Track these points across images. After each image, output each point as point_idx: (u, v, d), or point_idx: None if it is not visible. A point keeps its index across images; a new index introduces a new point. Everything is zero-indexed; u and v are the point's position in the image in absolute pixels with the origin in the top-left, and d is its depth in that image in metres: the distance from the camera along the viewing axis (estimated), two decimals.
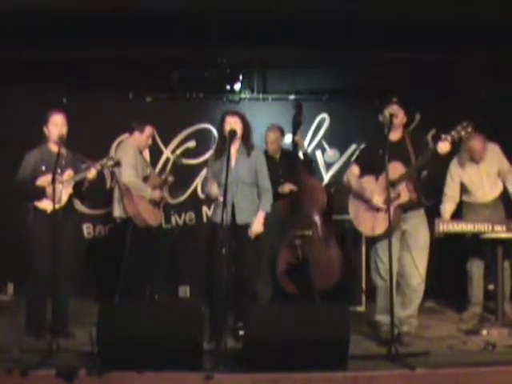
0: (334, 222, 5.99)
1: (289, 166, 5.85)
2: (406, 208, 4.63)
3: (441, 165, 4.52)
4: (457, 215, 5.65)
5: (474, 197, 5.61)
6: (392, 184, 4.50)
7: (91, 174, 4.74)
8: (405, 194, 4.56)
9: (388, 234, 4.36)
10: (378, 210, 4.63)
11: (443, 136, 4.40)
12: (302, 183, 5.70)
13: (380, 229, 4.60)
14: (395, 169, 4.54)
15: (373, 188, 4.69)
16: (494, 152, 5.57)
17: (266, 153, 5.87)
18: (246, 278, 4.82)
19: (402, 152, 4.62)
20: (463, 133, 4.35)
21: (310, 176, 5.90)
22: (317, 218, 5.67)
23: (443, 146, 4.38)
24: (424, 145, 4.74)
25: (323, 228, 5.65)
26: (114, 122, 6.63)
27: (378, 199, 4.62)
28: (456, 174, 5.60)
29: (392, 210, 4.48)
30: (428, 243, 4.74)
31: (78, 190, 4.83)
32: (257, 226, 4.79)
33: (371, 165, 4.74)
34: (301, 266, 5.51)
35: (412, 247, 4.65)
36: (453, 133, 4.37)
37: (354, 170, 4.89)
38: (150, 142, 5.89)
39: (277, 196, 5.48)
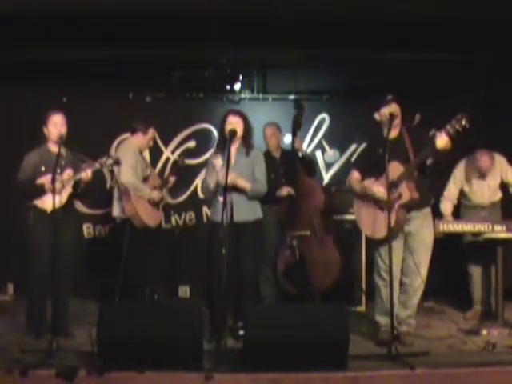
0: (334, 221, 5.99)
1: (289, 166, 5.84)
2: (409, 207, 4.58)
3: (444, 155, 4.45)
4: (455, 216, 5.72)
5: (471, 202, 5.72)
6: (393, 185, 4.48)
7: (86, 174, 4.74)
8: (406, 193, 4.51)
9: (390, 237, 4.33)
10: (381, 208, 4.55)
11: (438, 132, 4.35)
12: (300, 184, 5.68)
13: (382, 232, 4.53)
14: (394, 168, 4.49)
15: (375, 185, 4.62)
16: (499, 164, 5.64)
17: (267, 152, 5.88)
18: (245, 277, 4.81)
19: (400, 150, 4.57)
20: (457, 126, 4.28)
21: (308, 177, 5.88)
22: (314, 219, 5.64)
23: (440, 142, 4.32)
24: (425, 138, 4.71)
25: (321, 228, 5.63)
26: (114, 122, 6.64)
27: (381, 190, 4.50)
28: (459, 180, 5.71)
29: (394, 211, 4.48)
30: (432, 242, 4.72)
31: (76, 189, 4.84)
32: (232, 176, 4.65)
33: (370, 166, 4.70)
34: (298, 266, 5.51)
35: (416, 248, 4.63)
36: (448, 127, 4.31)
37: (355, 174, 4.84)
38: (151, 143, 5.90)
39: (275, 199, 5.50)
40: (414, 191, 4.54)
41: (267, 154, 5.89)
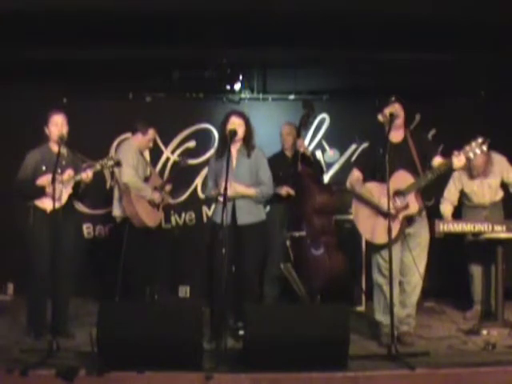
0: (335, 221, 5.97)
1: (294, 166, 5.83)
2: (412, 218, 4.56)
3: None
4: (456, 216, 5.71)
5: (473, 202, 5.72)
6: (400, 193, 4.46)
7: (87, 176, 4.74)
8: (414, 205, 4.47)
9: (390, 243, 4.30)
10: (382, 215, 4.51)
11: (456, 152, 4.29)
12: (298, 185, 5.67)
13: (382, 238, 4.49)
14: (402, 178, 4.47)
15: (379, 194, 4.55)
16: (500, 165, 5.64)
17: (281, 151, 5.92)
18: (247, 278, 4.81)
19: (405, 154, 4.56)
20: (477, 150, 4.23)
21: (310, 178, 5.85)
22: (310, 220, 5.61)
23: (458, 162, 4.29)
24: (426, 143, 4.71)
25: (317, 229, 5.59)
26: (114, 122, 6.64)
27: (382, 201, 4.46)
28: (459, 181, 5.73)
29: (398, 221, 4.46)
30: (428, 243, 4.72)
31: (76, 190, 4.83)
32: (234, 187, 4.68)
33: (372, 167, 4.68)
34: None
35: (414, 248, 4.62)
36: (467, 149, 4.26)
37: (356, 174, 4.81)
38: (151, 144, 5.89)
39: (276, 198, 5.49)
40: (421, 201, 4.52)
41: (280, 153, 5.90)
